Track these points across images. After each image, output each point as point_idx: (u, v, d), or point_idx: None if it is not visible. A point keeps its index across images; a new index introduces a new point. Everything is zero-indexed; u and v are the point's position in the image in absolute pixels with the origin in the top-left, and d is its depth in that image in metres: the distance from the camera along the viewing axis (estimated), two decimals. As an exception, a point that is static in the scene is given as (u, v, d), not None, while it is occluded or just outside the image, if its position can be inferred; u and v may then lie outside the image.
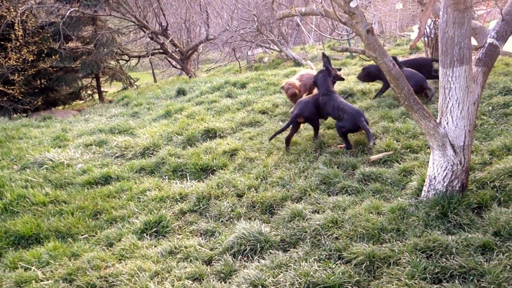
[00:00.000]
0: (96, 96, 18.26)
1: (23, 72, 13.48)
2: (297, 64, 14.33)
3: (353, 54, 14.25)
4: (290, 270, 3.27)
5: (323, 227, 3.80)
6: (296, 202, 4.40)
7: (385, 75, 3.96)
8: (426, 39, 9.07)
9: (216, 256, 3.67)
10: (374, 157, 5.13)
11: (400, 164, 4.87)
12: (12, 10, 13.03)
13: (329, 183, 4.71)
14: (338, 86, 8.63)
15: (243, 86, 10.09)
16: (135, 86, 18.65)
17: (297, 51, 18.25)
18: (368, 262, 3.26)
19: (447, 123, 3.82)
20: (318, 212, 4.14)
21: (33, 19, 13.90)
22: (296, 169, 5.18)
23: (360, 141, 5.59)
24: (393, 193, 4.31)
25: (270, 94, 8.94)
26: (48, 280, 3.56)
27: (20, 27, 12.96)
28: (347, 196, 4.39)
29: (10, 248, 4.16)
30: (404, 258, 3.21)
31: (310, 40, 23.45)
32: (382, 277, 3.11)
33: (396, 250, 3.30)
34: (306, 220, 3.97)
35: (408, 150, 5.18)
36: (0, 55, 13.01)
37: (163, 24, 16.87)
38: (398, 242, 3.44)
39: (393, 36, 16.14)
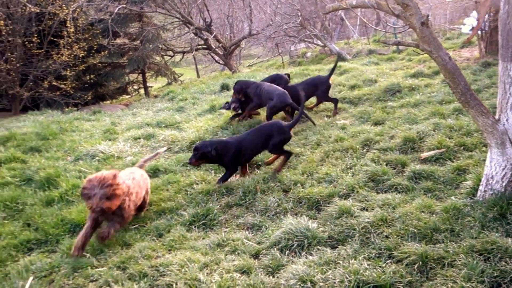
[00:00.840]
0: (142, 91, 18.73)
1: (74, 68, 13.97)
2: (342, 59, 14.11)
3: (400, 48, 13.88)
4: (339, 267, 3.22)
5: (372, 225, 3.73)
6: (344, 199, 4.33)
7: (440, 70, 3.82)
8: (480, 32, 8.71)
9: (264, 250, 3.66)
10: (425, 154, 4.98)
11: (453, 162, 4.71)
12: (64, 7, 13.51)
13: (377, 181, 4.61)
14: (384, 82, 8.44)
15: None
16: (179, 82, 18.98)
17: (341, 46, 17.99)
18: (420, 263, 3.16)
19: (506, 120, 3.64)
20: (366, 210, 4.06)
21: (83, 17, 14.38)
22: (343, 165, 5.11)
23: (410, 138, 5.44)
24: (446, 192, 4.17)
25: (315, 90, 8.84)
26: (102, 267, 3.67)
27: (72, 24, 13.43)
28: (396, 194, 4.29)
29: (67, 236, 4.32)
30: (459, 260, 3.09)
31: (354, 34, 23.04)
32: (436, 279, 3.01)
33: (451, 251, 3.19)
34: (355, 217, 3.90)
35: (462, 148, 4.99)
36: (53, 51, 13.51)
37: (207, 20, 17.05)
38: (452, 243, 3.31)
39: (442, 30, 15.61)
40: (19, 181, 5.67)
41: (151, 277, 3.42)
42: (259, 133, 5.24)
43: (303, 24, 15.65)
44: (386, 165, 4.92)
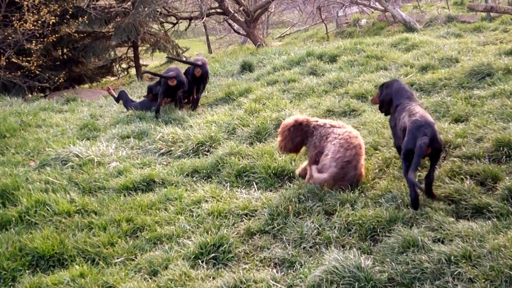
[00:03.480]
0: (133, 71, 18.96)
1: (41, 39, 14.18)
2: (409, 29, 13.98)
3: (492, 15, 13.65)
4: (402, 322, 3.19)
5: (450, 263, 3.69)
6: (410, 226, 4.29)
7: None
8: None
9: (297, 297, 3.66)
10: (526, 165, 4.89)
11: None
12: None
13: (457, 201, 4.55)
14: (469, 62, 8.32)
15: (333, 59, 10.02)
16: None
17: (409, 10, 17.85)
18: (518, 319, 3.11)
19: None
20: (442, 242, 4.02)
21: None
22: (410, 178, 5.05)
23: (505, 141, 5.34)
24: (557, 219, 4.09)
25: (371, 72, 8.82)
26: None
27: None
28: (485, 220, 4.22)
29: (27, 271, 4.39)
30: None
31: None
32: None
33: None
34: (425, 252, 3.86)
35: None
36: (13, 16, 13.63)
37: (223, -27, 17.15)
38: None
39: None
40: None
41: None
42: None
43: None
44: (470, 178, 4.85)
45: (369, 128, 6.45)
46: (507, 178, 4.76)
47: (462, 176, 4.91)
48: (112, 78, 19.55)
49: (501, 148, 5.29)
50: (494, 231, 4.03)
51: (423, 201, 4.54)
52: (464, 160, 5.24)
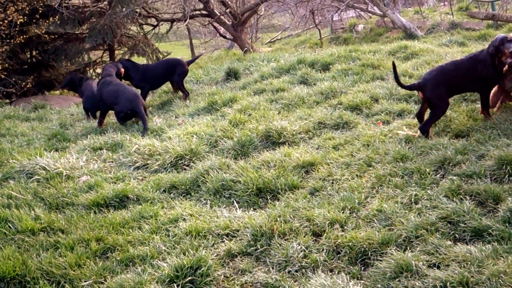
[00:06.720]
0: (109, 76, 18.90)
1: (8, 41, 14.14)
2: (409, 35, 14.12)
3: (498, 23, 13.82)
4: None
5: (445, 290, 3.73)
6: (404, 250, 4.33)
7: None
8: None
9: (280, 325, 3.69)
10: (530, 184, 4.96)
11: None
12: None
13: (456, 223, 4.60)
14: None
15: (326, 68, 10.10)
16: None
17: (410, 16, 18.04)
18: None
19: None
20: (437, 267, 4.06)
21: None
22: (405, 198, 5.10)
23: (508, 158, 5.41)
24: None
25: (367, 81, 8.90)
26: None
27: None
28: (484, 244, 4.27)
29: (-13, 296, 4.40)
30: None
31: (430, -1, 23.06)
32: None
33: None
34: (419, 277, 3.91)
35: None
36: (-22, 15, 13.68)
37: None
38: None
39: None
40: None
41: None
42: None
43: (353, -18, 15.76)
44: (470, 198, 4.90)
45: (362, 142, 6.51)
46: (510, 199, 4.81)
47: (461, 196, 4.96)
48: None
49: (504, 166, 5.34)
50: (494, 256, 4.07)
51: (423, 225, 4.58)
52: (463, 178, 5.29)
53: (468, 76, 6.61)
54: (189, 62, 11.02)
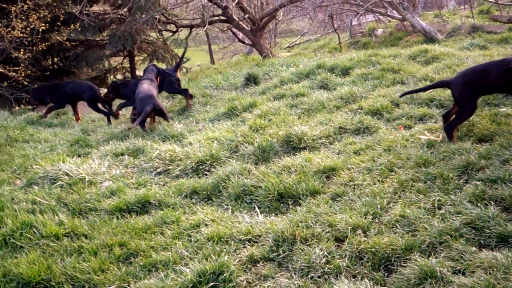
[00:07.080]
0: (129, 82, 19.02)
1: (30, 48, 14.26)
2: (430, 39, 14.04)
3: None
4: None
5: (471, 296, 3.70)
6: (428, 256, 4.29)
7: None
8: None
9: (303, 331, 3.67)
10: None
11: None
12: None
13: (480, 228, 4.55)
14: None
15: (345, 72, 10.06)
16: (184, 69, 19.23)
17: (430, 20, 17.92)
18: None
19: None
20: (462, 273, 4.02)
21: (46, -27, 14.74)
22: (428, 203, 5.06)
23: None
24: None
25: (387, 86, 8.85)
26: None
27: (29, -17, 13.76)
28: (510, 250, 4.22)
29: (11, 299, 4.43)
30: None
31: (450, 2, 22.92)
32: None
33: None
34: (444, 284, 3.87)
35: None
36: (1, 23, 13.72)
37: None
38: None
39: None
40: None
41: None
42: None
43: (372, -14, 15.72)
44: (495, 204, 4.85)
45: (384, 147, 6.47)
46: (535, 204, 4.77)
47: (485, 202, 4.91)
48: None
49: (528, 170, 5.30)
50: (521, 262, 4.03)
51: (447, 231, 4.54)
52: (488, 183, 5.23)
53: None
54: (175, 68, 10.73)
